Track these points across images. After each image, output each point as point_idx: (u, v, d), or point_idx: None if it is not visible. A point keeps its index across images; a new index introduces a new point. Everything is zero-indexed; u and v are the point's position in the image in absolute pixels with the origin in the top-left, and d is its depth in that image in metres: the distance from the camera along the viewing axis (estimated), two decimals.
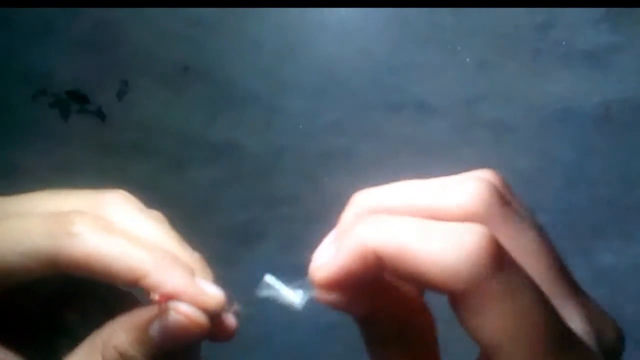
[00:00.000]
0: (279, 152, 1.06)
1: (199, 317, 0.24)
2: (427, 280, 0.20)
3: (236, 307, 0.26)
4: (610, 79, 1.04)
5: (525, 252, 0.22)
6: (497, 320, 0.20)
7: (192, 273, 0.25)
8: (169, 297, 0.24)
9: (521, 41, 1.05)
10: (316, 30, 1.06)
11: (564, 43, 1.04)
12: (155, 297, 0.24)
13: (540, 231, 0.24)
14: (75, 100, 1.06)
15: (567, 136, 1.04)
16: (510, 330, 0.19)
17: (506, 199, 0.24)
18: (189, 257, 0.26)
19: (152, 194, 1.03)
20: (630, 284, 1.05)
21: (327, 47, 1.06)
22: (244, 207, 1.07)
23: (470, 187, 0.24)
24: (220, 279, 0.29)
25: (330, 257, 0.23)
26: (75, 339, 0.25)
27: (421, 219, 0.22)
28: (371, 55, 1.06)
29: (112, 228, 0.25)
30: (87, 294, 0.26)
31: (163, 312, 0.24)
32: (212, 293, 0.25)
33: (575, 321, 0.22)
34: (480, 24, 1.05)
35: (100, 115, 1.06)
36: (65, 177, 1.07)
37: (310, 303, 0.24)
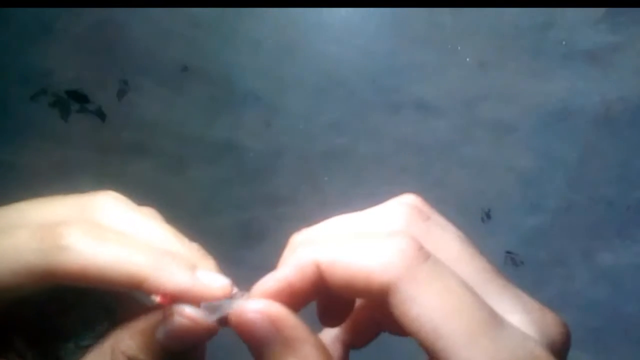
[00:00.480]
0: (279, 152, 1.06)
1: (203, 319, 0.24)
2: (364, 280, 0.22)
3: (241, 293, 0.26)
4: (611, 79, 1.04)
5: (453, 258, 0.24)
6: (432, 301, 0.21)
7: (193, 267, 0.25)
8: (172, 299, 0.24)
9: (521, 41, 1.05)
10: (316, 30, 1.06)
11: (564, 43, 1.04)
12: (157, 299, 0.24)
13: (465, 240, 0.26)
14: (75, 100, 1.06)
15: (567, 136, 1.04)
16: (445, 308, 0.21)
17: (426, 214, 0.26)
18: (187, 249, 0.26)
19: (151, 194, 1.03)
20: (630, 284, 1.05)
21: (327, 47, 1.06)
22: (243, 207, 1.07)
23: (392, 209, 0.26)
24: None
25: (273, 274, 0.25)
26: (78, 345, 0.25)
27: (352, 234, 0.24)
28: (371, 55, 1.06)
29: (105, 234, 0.24)
30: (85, 297, 0.26)
31: (168, 316, 0.23)
32: (216, 283, 0.25)
33: (511, 313, 0.23)
34: (481, 24, 1.05)
35: (100, 115, 1.06)
36: (65, 176, 1.07)
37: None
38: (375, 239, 0.23)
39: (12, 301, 0.23)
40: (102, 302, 0.26)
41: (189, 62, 1.06)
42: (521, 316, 0.24)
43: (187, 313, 0.23)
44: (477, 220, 1.05)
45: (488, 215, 1.05)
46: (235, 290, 0.26)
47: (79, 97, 1.06)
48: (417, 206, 0.26)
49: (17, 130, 1.06)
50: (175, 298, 0.24)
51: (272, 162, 1.06)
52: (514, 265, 1.05)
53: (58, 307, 0.25)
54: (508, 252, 1.05)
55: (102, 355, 0.23)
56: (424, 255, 0.22)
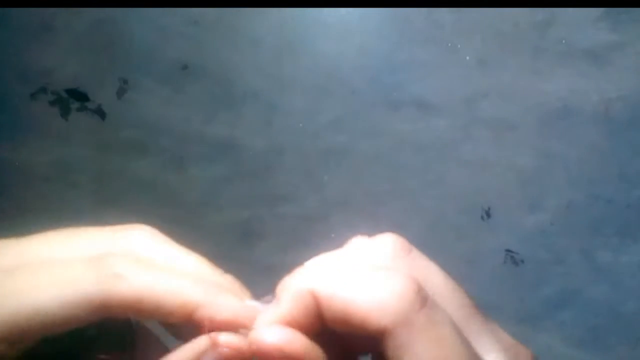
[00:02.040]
0: (279, 151, 1.06)
1: (249, 346, 0.24)
2: (361, 320, 0.22)
3: None
4: (610, 78, 1.04)
5: (437, 293, 0.24)
6: (425, 351, 0.22)
7: (240, 297, 0.25)
8: (219, 328, 0.24)
9: (521, 39, 1.04)
10: (316, 28, 1.06)
11: (563, 41, 1.04)
12: (205, 329, 0.24)
13: (445, 273, 0.26)
14: (75, 98, 1.06)
15: (567, 134, 1.04)
16: (436, 357, 0.22)
17: (408, 248, 0.26)
18: (225, 281, 0.27)
19: (151, 192, 1.04)
20: (630, 282, 1.05)
21: (327, 45, 1.06)
22: (243, 205, 1.07)
23: (378, 244, 0.26)
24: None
25: (272, 306, 0.25)
26: None
27: (352, 268, 0.24)
28: (371, 53, 1.06)
29: (154, 265, 0.24)
30: (105, 332, 0.26)
31: (213, 345, 0.24)
32: (262, 312, 0.25)
33: (490, 352, 0.24)
34: (480, 22, 1.05)
35: (100, 113, 1.06)
36: (65, 175, 1.07)
37: None
38: (374, 276, 0.23)
39: (55, 335, 0.22)
40: (122, 336, 0.26)
41: (189, 60, 1.06)
42: (498, 355, 0.24)
43: (232, 341, 0.24)
44: (477, 219, 1.05)
45: (488, 214, 1.05)
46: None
47: (79, 96, 1.06)
48: (399, 240, 0.26)
49: (17, 129, 1.06)
50: (220, 327, 0.24)
51: (272, 160, 1.06)
52: (514, 264, 1.05)
53: (80, 342, 0.25)
54: (508, 251, 1.05)
55: None
56: (422, 299, 0.22)
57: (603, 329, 1.05)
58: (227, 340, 0.24)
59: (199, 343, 0.24)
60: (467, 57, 1.05)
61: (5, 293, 0.21)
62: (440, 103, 1.05)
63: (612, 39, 1.03)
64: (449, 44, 1.05)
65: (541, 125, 1.05)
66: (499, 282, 1.05)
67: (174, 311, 0.23)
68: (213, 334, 0.24)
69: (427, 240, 1.17)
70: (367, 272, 0.23)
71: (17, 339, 0.21)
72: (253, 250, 1.06)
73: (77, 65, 1.05)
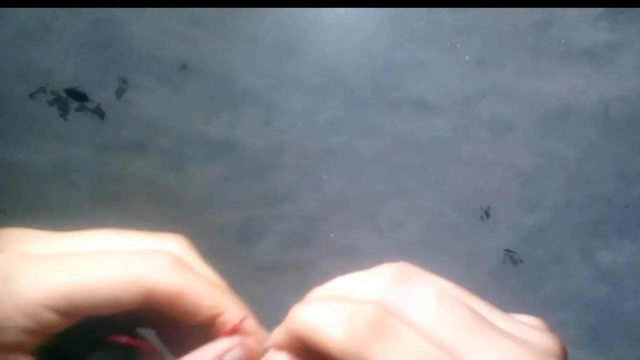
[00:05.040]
0: (278, 150, 1.06)
1: (260, 353, 0.26)
2: (330, 354, 0.23)
3: None
4: (610, 77, 1.04)
5: (426, 320, 0.24)
6: None
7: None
8: (236, 333, 0.27)
9: (520, 39, 1.05)
10: (315, 28, 1.06)
11: (563, 41, 1.04)
12: (226, 332, 0.26)
13: (444, 293, 0.26)
14: (74, 98, 1.06)
15: (566, 134, 1.05)
16: None
17: (406, 278, 0.26)
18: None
19: (151, 192, 1.04)
20: (629, 282, 1.05)
21: (326, 45, 1.06)
22: (243, 205, 1.07)
23: (371, 276, 0.27)
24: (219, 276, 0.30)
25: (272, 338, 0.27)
26: None
27: (334, 302, 0.25)
28: (370, 53, 1.06)
29: (192, 269, 0.26)
30: (112, 343, 0.27)
31: (235, 345, 0.26)
32: (267, 335, 0.27)
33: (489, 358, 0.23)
34: (479, 22, 1.05)
35: (99, 113, 1.06)
36: (64, 174, 1.07)
37: None
38: (340, 311, 0.24)
39: (100, 317, 0.24)
40: (127, 352, 0.27)
41: (188, 60, 1.06)
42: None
43: (252, 345, 0.26)
44: (476, 219, 1.06)
45: (487, 214, 1.06)
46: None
47: (78, 96, 1.06)
48: (398, 270, 0.26)
49: (16, 129, 1.06)
50: (240, 333, 0.27)
51: (271, 160, 1.06)
52: (513, 264, 1.05)
53: (88, 343, 0.26)
54: (507, 251, 1.05)
55: None
56: (379, 332, 0.23)
57: (603, 329, 1.06)
58: (249, 344, 0.26)
59: (224, 342, 0.26)
60: (467, 57, 1.05)
61: (61, 270, 0.23)
62: (440, 103, 1.05)
63: (611, 38, 1.03)
64: (449, 44, 1.05)
65: (540, 125, 1.05)
66: (498, 282, 1.05)
67: (205, 311, 0.26)
68: (236, 337, 0.26)
69: (427, 240, 1.18)
70: (341, 308, 0.24)
71: (68, 311, 0.23)
72: (252, 250, 1.06)
73: (77, 65, 1.05)
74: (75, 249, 0.25)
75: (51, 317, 0.23)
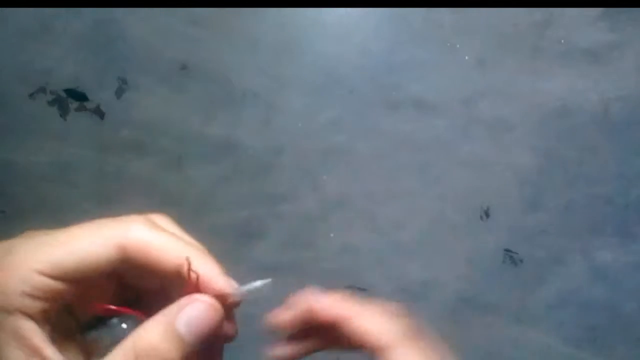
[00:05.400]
0: (278, 150, 1.06)
1: (219, 306, 0.28)
2: (363, 338, 0.34)
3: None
4: (610, 77, 1.04)
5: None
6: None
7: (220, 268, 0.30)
8: (197, 290, 0.28)
9: (520, 39, 1.05)
10: (314, 28, 1.06)
11: (562, 41, 1.04)
12: (191, 283, 0.28)
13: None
14: (74, 98, 1.06)
15: (566, 134, 1.05)
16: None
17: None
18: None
19: (151, 192, 1.04)
20: (629, 282, 1.05)
21: (326, 45, 1.06)
22: (243, 205, 1.07)
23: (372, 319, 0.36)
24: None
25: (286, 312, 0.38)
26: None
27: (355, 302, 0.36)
28: (370, 53, 1.06)
29: (163, 228, 0.30)
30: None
31: (189, 302, 0.27)
32: (235, 287, 0.30)
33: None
34: (479, 22, 1.05)
35: (99, 113, 1.06)
36: (64, 174, 1.07)
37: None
38: (376, 309, 0.35)
39: (96, 274, 0.28)
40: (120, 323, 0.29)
41: (188, 60, 1.06)
42: None
43: (207, 299, 0.28)
44: (475, 219, 1.05)
45: (487, 214, 1.06)
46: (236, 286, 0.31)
47: (78, 96, 1.06)
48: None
49: (15, 129, 1.06)
50: (201, 291, 0.28)
51: (271, 160, 1.06)
52: (513, 264, 1.05)
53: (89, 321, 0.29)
54: (507, 251, 1.05)
55: (127, 350, 0.26)
56: (416, 334, 0.32)
57: (602, 329, 1.06)
58: (202, 297, 0.28)
59: (174, 307, 0.28)
60: (466, 57, 1.05)
61: (49, 241, 0.27)
62: (439, 103, 1.05)
63: (611, 38, 1.03)
64: (448, 44, 1.05)
65: (540, 125, 1.05)
66: (498, 282, 1.05)
67: (171, 261, 0.28)
68: (194, 295, 0.28)
69: (426, 240, 1.18)
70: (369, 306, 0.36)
71: (55, 274, 0.26)
72: (252, 250, 1.06)
73: (76, 65, 1.05)
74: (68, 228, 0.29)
75: (42, 280, 0.26)
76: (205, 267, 0.29)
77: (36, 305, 0.26)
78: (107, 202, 1.06)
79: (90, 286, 0.28)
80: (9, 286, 0.25)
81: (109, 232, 0.28)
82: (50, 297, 0.26)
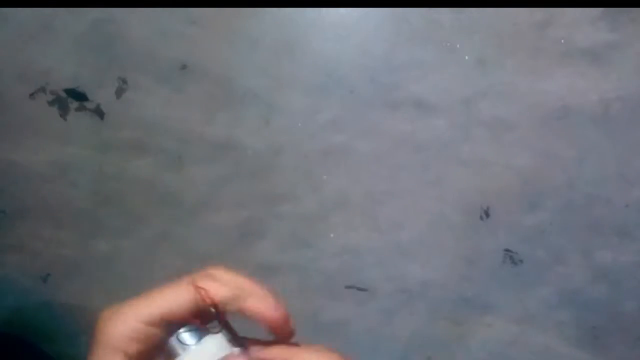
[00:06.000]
0: (278, 150, 1.06)
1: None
2: None
3: None
4: (609, 77, 1.04)
5: None
6: None
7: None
8: (208, 301, 0.35)
9: (520, 39, 1.05)
10: (314, 28, 1.06)
11: (562, 41, 1.04)
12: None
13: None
14: (74, 98, 1.06)
15: (566, 134, 1.05)
16: None
17: None
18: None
19: (151, 192, 1.03)
20: (629, 282, 1.05)
21: (326, 45, 1.06)
22: (242, 205, 1.07)
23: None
24: None
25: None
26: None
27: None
28: (370, 53, 1.06)
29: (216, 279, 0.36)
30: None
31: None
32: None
33: None
34: (479, 22, 1.05)
35: (99, 113, 1.06)
36: (64, 174, 1.07)
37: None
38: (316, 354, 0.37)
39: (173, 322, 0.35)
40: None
41: (188, 60, 1.06)
42: None
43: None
44: (476, 219, 1.06)
45: (487, 214, 1.06)
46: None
47: (78, 96, 1.06)
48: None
49: (16, 128, 1.06)
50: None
51: (271, 160, 1.06)
52: (513, 264, 1.05)
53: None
54: (507, 251, 1.05)
55: None
56: None
57: (602, 329, 1.06)
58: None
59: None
60: (466, 57, 1.05)
61: (148, 301, 0.35)
62: (439, 103, 1.05)
63: (611, 38, 1.03)
64: (448, 44, 1.05)
65: (540, 125, 1.05)
66: (498, 282, 1.05)
67: (227, 307, 0.35)
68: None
69: (426, 240, 1.18)
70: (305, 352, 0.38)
71: (157, 323, 0.34)
72: (252, 250, 1.06)
73: (76, 65, 1.05)
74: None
75: (142, 327, 0.34)
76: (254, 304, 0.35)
77: (137, 347, 0.34)
78: (107, 202, 1.06)
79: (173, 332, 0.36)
80: (118, 332, 0.33)
81: (186, 287, 0.35)
82: (144, 339, 0.34)
